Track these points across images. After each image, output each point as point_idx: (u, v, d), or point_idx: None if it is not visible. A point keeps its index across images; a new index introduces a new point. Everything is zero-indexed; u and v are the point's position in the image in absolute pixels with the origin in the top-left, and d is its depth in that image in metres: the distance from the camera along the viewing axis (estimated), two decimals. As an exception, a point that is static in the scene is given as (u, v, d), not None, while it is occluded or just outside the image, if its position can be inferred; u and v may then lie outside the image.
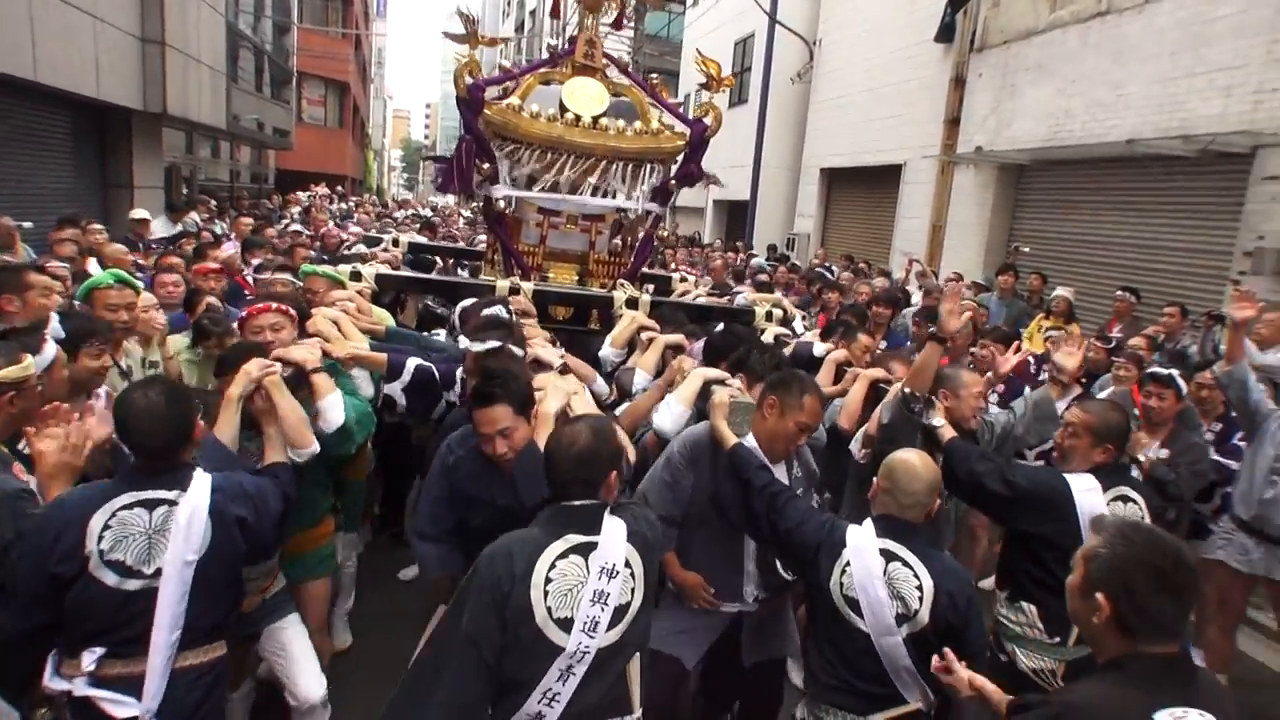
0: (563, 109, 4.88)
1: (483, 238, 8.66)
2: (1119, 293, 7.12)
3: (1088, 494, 2.90)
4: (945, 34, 11.40)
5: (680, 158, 5.09)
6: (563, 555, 2.19)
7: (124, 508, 2.34)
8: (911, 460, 2.55)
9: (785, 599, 3.32)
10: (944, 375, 3.55)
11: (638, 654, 2.39)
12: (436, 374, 3.69)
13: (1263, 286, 6.41)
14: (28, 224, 5.44)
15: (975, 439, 3.49)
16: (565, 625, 2.15)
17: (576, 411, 3.01)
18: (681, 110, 5.79)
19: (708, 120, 5.07)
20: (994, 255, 10.40)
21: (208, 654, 2.46)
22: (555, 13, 5.65)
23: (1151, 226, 8.27)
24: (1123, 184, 8.61)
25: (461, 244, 9.75)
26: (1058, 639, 2.96)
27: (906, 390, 3.18)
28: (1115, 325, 6.85)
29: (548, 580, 2.16)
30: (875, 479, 2.63)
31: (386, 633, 4.12)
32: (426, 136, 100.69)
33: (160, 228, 10.21)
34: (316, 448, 2.96)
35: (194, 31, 13.14)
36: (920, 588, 2.41)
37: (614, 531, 2.27)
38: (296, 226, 11.52)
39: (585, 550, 2.22)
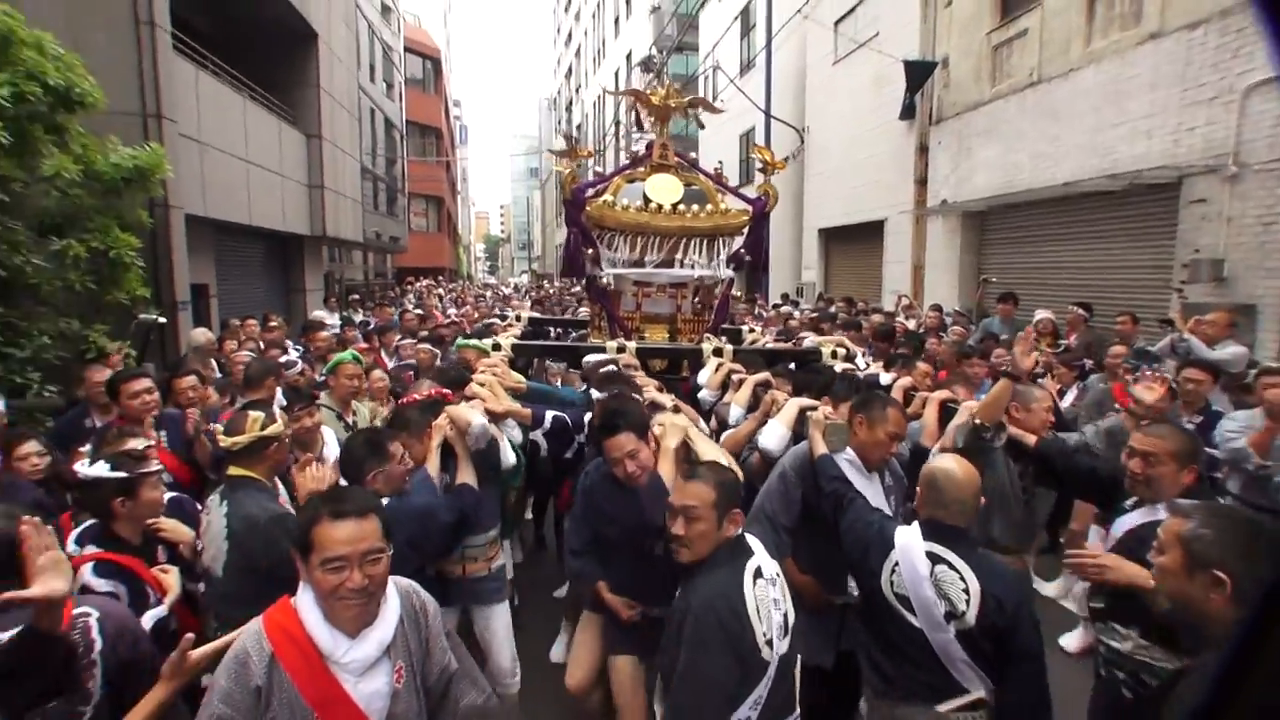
0: (646, 200, 4.79)
1: (583, 310, 8.67)
2: (1071, 307, 6.88)
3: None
4: (908, 112, 11.26)
5: (746, 230, 4.91)
6: (752, 581, 2.03)
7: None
8: (951, 467, 2.27)
9: None
10: (1016, 391, 3.23)
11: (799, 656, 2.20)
12: (570, 421, 3.61)
13: (1201, 292, 6.29)
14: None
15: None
16: (769, 642, 2.00)
17: (696, 443, 2.89)
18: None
19: (766, 198, 4.91)
20: (967, 286, 10.17)
21: None
22: (639, 125, 5.75)
23: (1098, 251, 8.05)
24: (1068, 218, 8.42)
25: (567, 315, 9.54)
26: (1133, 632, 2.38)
27: (978, 421, 2.95)
28: (1071, 335, 6.64)
29: (756, 609, 1.98)
30: (918, 487, 2.35)
31: (539, 636, 3.98)
32: (502, 230, 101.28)
33: (327, 317, 10.69)
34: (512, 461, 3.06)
35: (340, 175, 13.85)
36: (967, 590, 2.10)
37: (759, 546, 2.14)
38: (418, 310, 11.86)
39: (757, 571, 2.06)
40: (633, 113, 5.52)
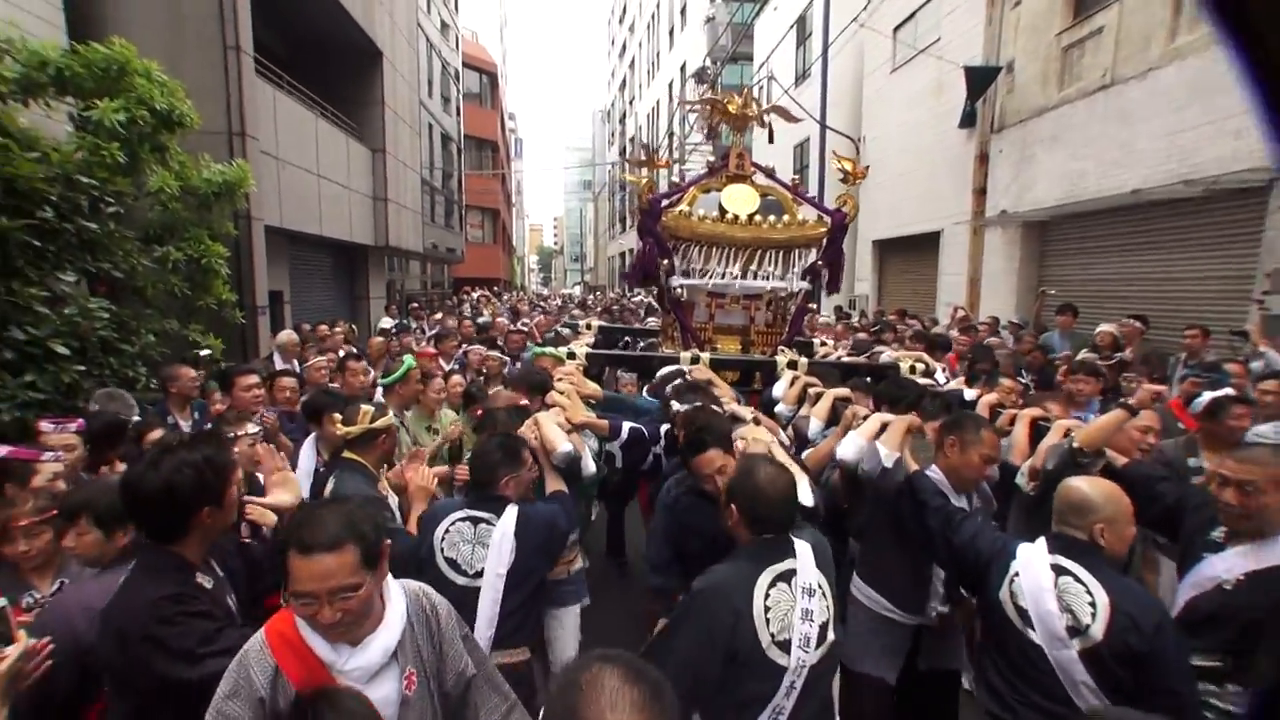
0: (722, 211, 4.74)
1: (651, 319, 8.74)
2: (1125, 320, 6.74)
3: None
4: (968, 120, 11.19)
5: (824, 242, 4.81)
6: (772, 584, 2.02)
7: (458, 520, 2.52)
8: (1082, 485, 2.18)
9: (954, 615, 2.96)
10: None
11: (837, 672, 2.20)
12: (646, 433, 3.62)
13: None
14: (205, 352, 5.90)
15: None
16: (785, 646, 1.98)
17: (777, 456, 2.74)
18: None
19: (845, 209, 4.82)
20: (1024, 299, 9.95)
21: (513, 657, 2.46)
22: (712, 136, 5.80)
23: (1167, 261, 7.79)
24: (1136, 228, 8.19)
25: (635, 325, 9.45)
26: None
27: (1076, 445, 2.85)
28: (1129, 348, 6.40)
29: (766, 610, 1.98)
30: (1054, 501, 2.24)
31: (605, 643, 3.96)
32: (555, 241, 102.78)
33: (390, 324, 11.23)
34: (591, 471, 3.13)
35: (403, 188, 14.52)
36: (1094, 604, 1.98)
37: (805, 555, 2.10)
38: (479, 319, 12.27)
39: (788, 577, 2.04)
40: (706, 124, 5.48)
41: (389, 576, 1.68)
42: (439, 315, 11.86)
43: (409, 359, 4.62)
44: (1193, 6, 7.34)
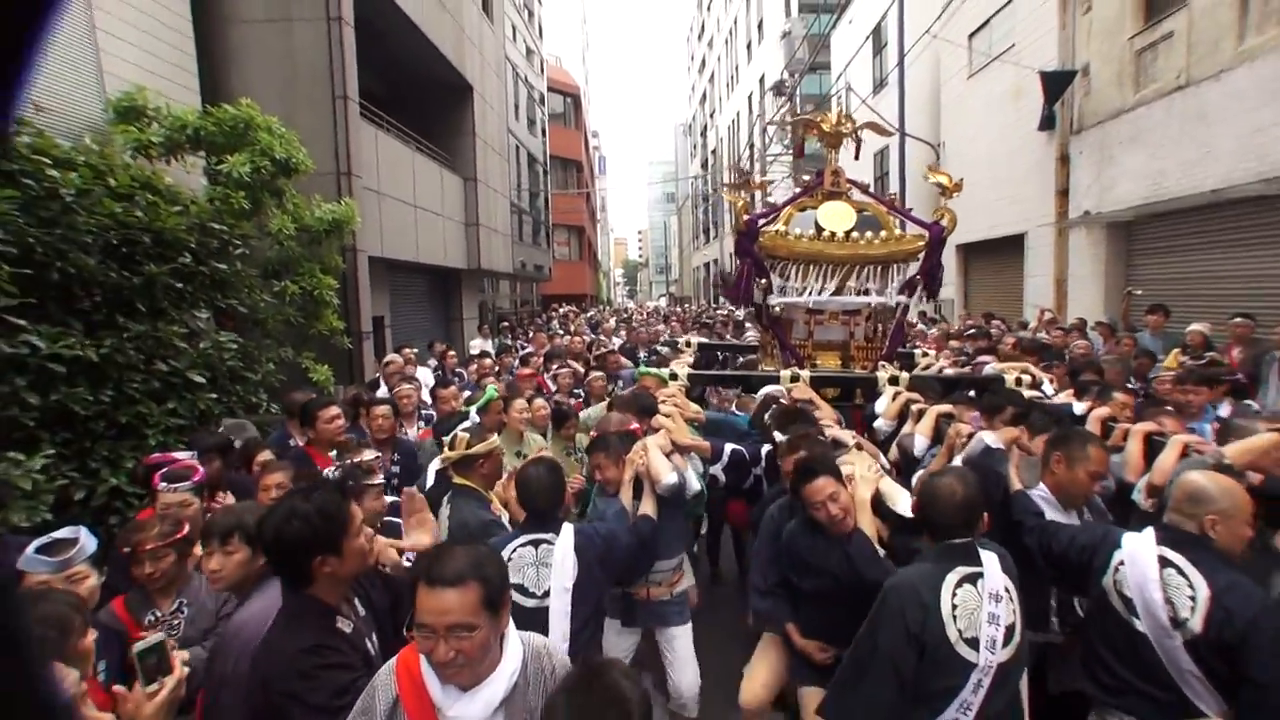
0: (819, 228, 4.72)
1: (750, 334, 8.69)
2: (1236, 319, 6.32)
3: None
4: (1047, 123, 11.03)
5: (923, 255, 4.78)
6: (959, 584, 2.08)
7: (520, 545, 2.57)
8: (1196, 479, 2.19)
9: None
10: (1233, 425, 3.18)
11: (1026, 669, 2.22)
12: (747, 455, 3.67)
13: None
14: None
15: None
16: (973, 644, 2.02)
17: (885, 494, 2.85)
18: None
19: (943, 222, 4.77)
20: (1112, 299, 9.71)
21: None
22: (800, 153, 5.88)
23: (1253, 259, 7.59)
24: (1220, 225, 7.98)
25: (731, 340, 9.45)
26: None
27: (1227, 462, 2.60)
28: (1234, 349, 6.12)
29: (954, 607, 2.04)
30: (1171, 491, 2.26)
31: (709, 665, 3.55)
32: (640, 254, 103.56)
33: (482, 344, 11.79)
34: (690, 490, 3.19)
35: (493, 212, 15.21)
36: (1194, 597, 2.01)
37: (992, 562, 2.14)
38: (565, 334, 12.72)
39: (974, 579, 2.10)
40: (796, 141, 5.74)
41: (513, 630, 1.67)
42: (532, 334, 12.21)
43: (491, 389, 4.76)
44: (1262, 8, 7.11)
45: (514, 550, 2.55)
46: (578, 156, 34.51)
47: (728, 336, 10.83)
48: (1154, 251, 9.40)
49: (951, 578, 2.08)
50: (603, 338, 11.15)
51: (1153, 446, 3.05)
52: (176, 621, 2.49)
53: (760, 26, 31.10)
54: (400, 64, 12.03)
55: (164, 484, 2.88)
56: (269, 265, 6.80)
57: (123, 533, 2.53)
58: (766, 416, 3.88)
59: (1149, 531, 2.18)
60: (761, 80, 30.07)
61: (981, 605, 2.05)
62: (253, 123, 6.35)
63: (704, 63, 47.77)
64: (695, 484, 3.26)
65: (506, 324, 15.73)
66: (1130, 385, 5.15)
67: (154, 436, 4.49)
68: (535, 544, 2.57)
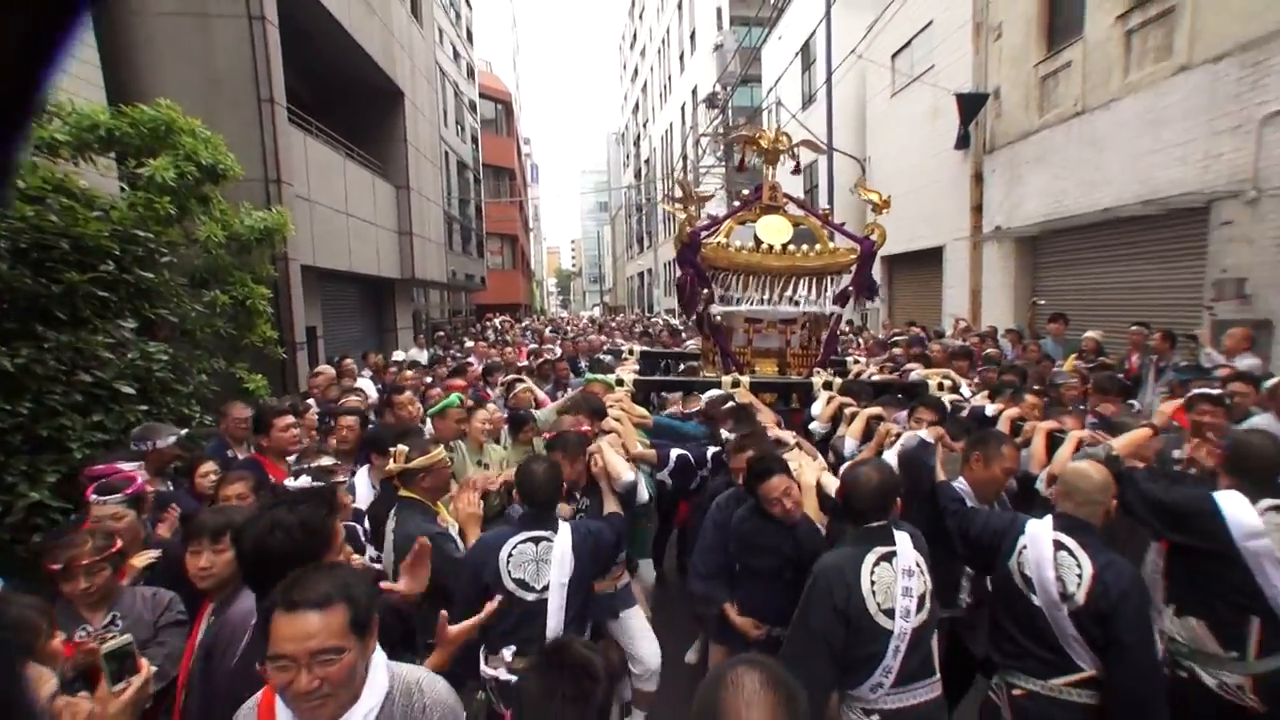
0: (757, 241, 4.94)
1: (690, 342, 8.89)
2: (1133, 327, 6.86)
3: (1236, 508, 2.49)
4: (962, 142, 11.65)
5: (855, 268, 5.05)
6: (877, 563, 2.35)
7: (520, 542, 2.67)
8: (1084, 467, 2.51)
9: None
10: (1121, 423, 3.59)
11: (936, 629, 2.48)
12: (692, 458, 3.82)
13: (1227, 309, 6.62)
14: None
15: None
16: (890, 614, 2.30)
17: (824, 485, 3.16)
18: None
19: (874, 237, 5.04)
20: (1021, 309, 10.36)
21: None
22: (742, 168, 6.08)
23: (1138, 272, 8.30)
24: (1112, 242, 8.68)
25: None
26: (1234, 653, 2.48)
27: (1114, 454, 2.99)
28: (1134, 354, 6.66)
29: (873, 583, 2.31)
30: (1056, 485, 2.59)
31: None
32: (573, 264, 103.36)
33: (416, 354, 11.62)
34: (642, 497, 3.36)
35: (426, 221, 15.07)
36: (1080, 575, 2.30)
37: (904, 541, 2.42)
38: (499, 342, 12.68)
39: (889, 557, 2.37)
40: (739, 156, 5.76)
41: (383, 659, 1.56)
42: (470, 344, 12.21)
43: (455, 395, 4.72)
44: (1141, 46, 7.89)
45: (515, 546, 2.66)
46: (510, 164, 34.39)
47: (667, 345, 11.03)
48: (1056, 265, 10.11)
49: (870, 557, 2.36)
50: (547, 346, 11.23)
51: (1054, 442, 3.43)
52: (110, 635, 2.41)
53: (693, 37, 31.71)
54: (326, 66, 11.81)
55: (95, 496, 2.85)
56: (196, 274, 6.63)
57: (52, 548, 2.46)
58: (720, 406, 4.16)
59: (1048, 519, 2.47)
60: (694, 91, 30.66)
61: (896, 579, 2.34)
62: (174, 125, 6.14)
63: (636, 71, 48.24)
64: (644, 494, 3.40)
65: (442, 334, 15.58)
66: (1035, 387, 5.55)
67: (79, 450, 4.34)
68: (535, 541, 2.68)
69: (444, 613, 2.01)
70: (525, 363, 8.73)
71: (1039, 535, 2.42)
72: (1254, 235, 6.42)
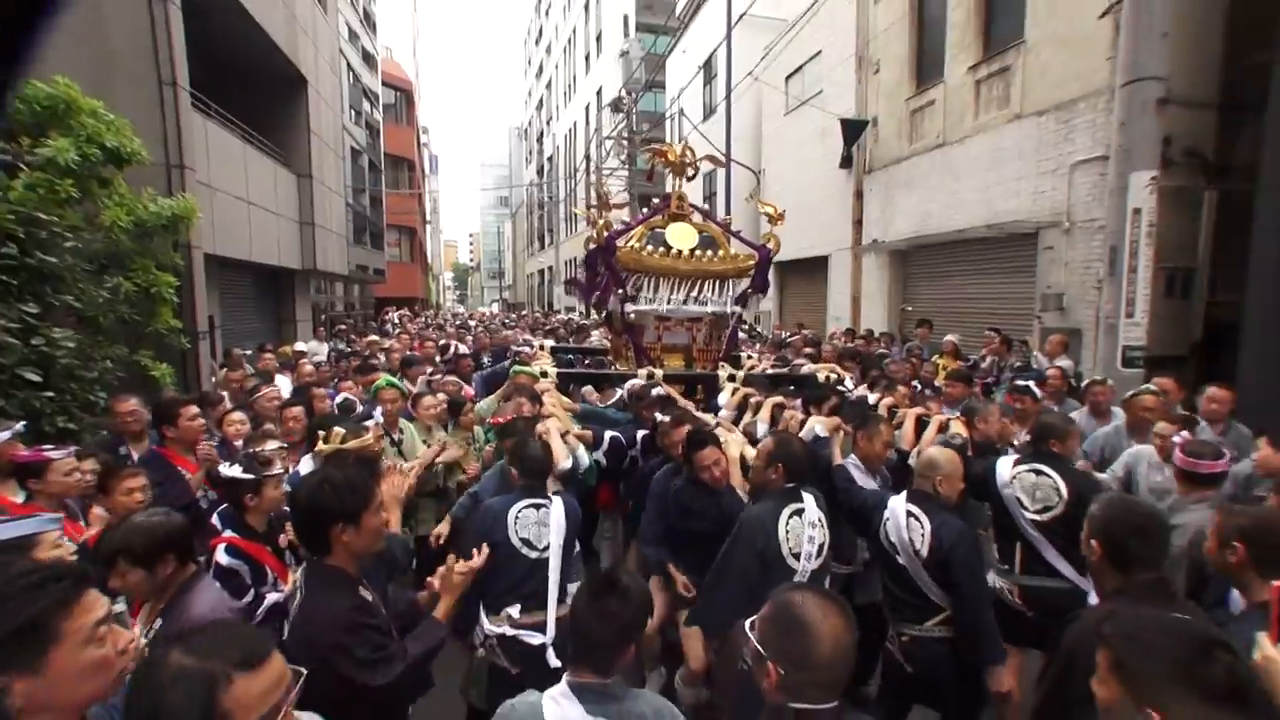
0: (667, 246, 5.33)
1: (593, 338, 9.38)
2: (988, 332, 8.00)
3: (1001, 467, 3.34)
4: (846, 162, 12.66)
5: (753, 273, 5.52)
6: (790, 517, 2.82)
7: (524, 507, 2.97)
8: (932, 453, 3.02)
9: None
10: (974, 408, 4.17)
11: (829, 576, 2.96)
12: (624, 440, 4.16)
13: (1051, 320, 7.84)
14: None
15: (999, 453, 3.84)
16: (797, 557, 2.77)
17: (747, 457, 3.52)
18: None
19: (770, 245, 5.52)
20: (894, 313, 11.58)
21: (566, 609, 2.61)
22: (650, 178, 6.41)
23: (986, 285, 9.52)
24: (966, 258, 9.88)
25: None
26: (1006, 566, 3.31)
27: (964, 441, 3.69)
28: (987, 357, 7.67)
29: (786, 532, 2.79)
30: (916, 466, 3.07)
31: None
32: (471, 258, 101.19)
33: (316, 347, 11.59)
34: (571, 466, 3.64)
35: (328, 212, 14.91)
36: (923, 534, 2.80)
37: (810, 501, 2.90)
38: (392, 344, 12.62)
39: (799, 513, 2.85)
40: (649, 165, 6.25)
41: None
42: (369, 338, 12.23)
43: (385, 378, 4.98)
44: (987, 94, 9.19)
45: (520, 510, 2.96)
46: (410, 154, 33.82)
47: (570, 340, 11.51)
48: (923, 276, 11.33)
49: (785, 512, 2.86)
50: (455, 343, 11.47)
51: (922, 425, 4.10)
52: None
53: (599, 39, 32.07)
54: (225, 49, 11.44)
55: None
56: (96, 259, 6.53)
57: None
58: (644, 394, 4.65)
59: (903, 494, 3.00)
60: (599, 93, 31.07)
61: (804, 531, 2.85)
62: (75, 105, 6.01)
63: (541, 68, 48.06)
64: (585, 459, 3.82)
65: (343, 327, 15.43)
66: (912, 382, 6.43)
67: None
68: (536, 507, 3.00)
69: (450, 557, 2.29)
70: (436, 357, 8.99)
71: (896, 507, 2.94)
72: (1068, 259, 7.72)
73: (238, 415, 4.50)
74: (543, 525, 2.95)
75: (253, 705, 1.15)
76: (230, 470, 2.93)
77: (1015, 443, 4.41)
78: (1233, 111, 6.91)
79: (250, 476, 2.90)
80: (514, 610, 2.81)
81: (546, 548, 2.92)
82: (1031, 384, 5.12)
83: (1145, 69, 6.03)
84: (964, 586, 2.75)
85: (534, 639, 2.79)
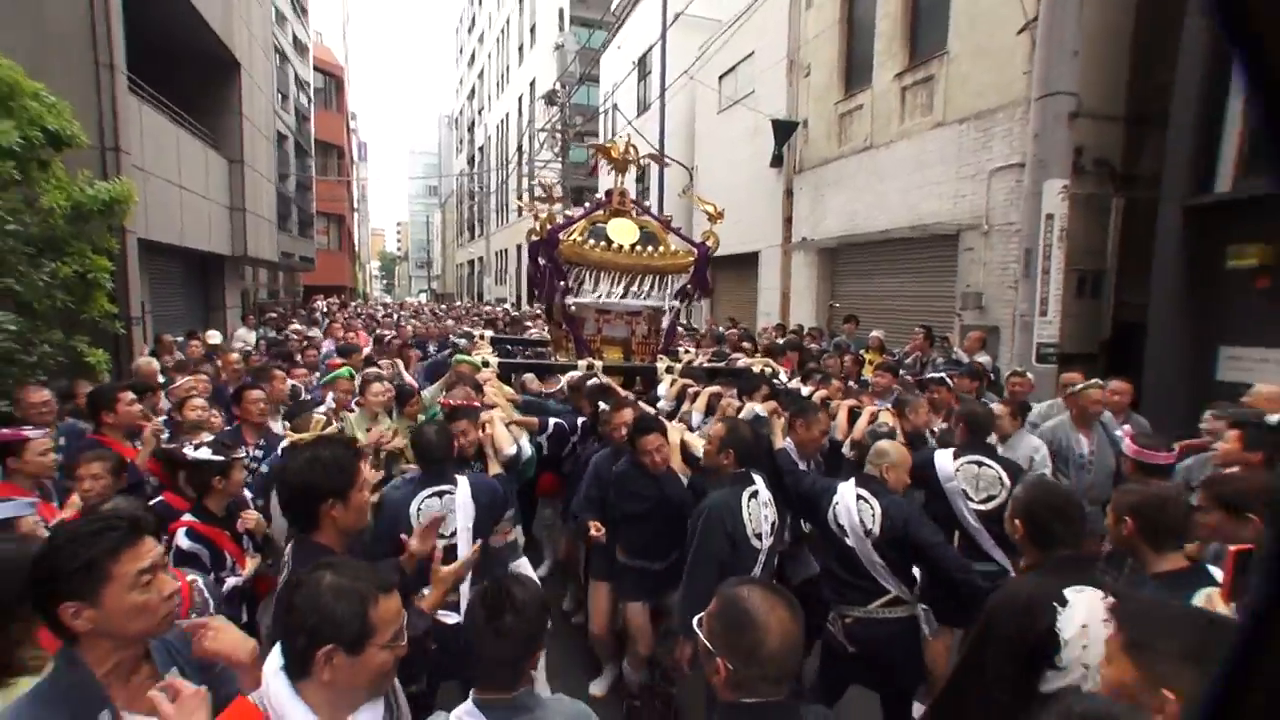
0: (608, 241, 5.40)
1: (531, 330, 9.41)
2: (916, 329, 8.23)
3: (942, 460, 3.60)
4: (777, 161, 13.04)
5: (692, 269, 5.61)
6: (749, 499, 2.99)
7: (427, 497, 2.91)
8: (883, 445, 3.16)
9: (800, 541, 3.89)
10: (905, 401, 4.41)
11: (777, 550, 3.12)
12: (566, 426, 4.26)
13: (971, 317, 8.37)
14: None
15: (925, 441, 4.19)
16: (758, 537, 2.92)
17: (689, 443, 3.75)
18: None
19: (709, 243, 5.65)
20: (822, 310, 12.03)
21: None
22: (594, 173, 6.41)
23: (911, 283, 10.04)
24: (891, 257, 10.39)
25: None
26: None
27: (893, 430, 3.89)
28: (914, 352, 7.89)
29: (749, 514, 2.94)
30: (854, 452, 3.37)
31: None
32: (399, 247, 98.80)
33: (245, 335, 11.44)
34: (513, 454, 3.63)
35: (259, 198, 14.58)
36: (874, 515, 2.91)
37: (761, 483, 3.08)
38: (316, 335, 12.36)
39: (755, 495, 3.02)
40: (593, 162, 6.45)
41: None
42: (296, 326, 12.12)
43: (346, 369, 5.01)
44: (911, 101, 9.73)
45: (422, 501, 2.92)
46: (339, 141, 32.82)
47: (507, 331, 11.58)
48: (851, 274, 11.86)
49: (745, 495, 3.03)
50: (388, 332, 11.37)
51: (854, 416, 4.26)
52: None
53: (533, 31, 31.93)
54: (159, 31, 11.04)
55: None
56: (32, 243, 6.35)
57: None
58: (583, 384, 4.78)
59: (852, 480, 3.11)
60: (533, 84, 30.94)
61: (760, 511, 3.02)
62: (19, 88, 5.88)
63: (474, 57, 47.40)
64: (528, 449, 3.84)
65: (273, 315, 15.03)
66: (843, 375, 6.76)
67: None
68: (439, 494, 2.95)
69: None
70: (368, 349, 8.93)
71: (845, 492, 3.04)
72: (987, 259, 8.31)
73: (199, 401, 4.42)
74: (448, 512, 2.91)
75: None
76: (198, 453, 2.92)
77: (935, 430, 4.65)
78: (1139, 125, 7.59)
79: (220, 459, 2.91)
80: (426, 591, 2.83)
81: (453, 533, 2.89)
82: (945, 375, 5.40)
83: (1058, 84, 6.52)
84: (935, 549, 2.89)
85: (449, 618, 2.73)
